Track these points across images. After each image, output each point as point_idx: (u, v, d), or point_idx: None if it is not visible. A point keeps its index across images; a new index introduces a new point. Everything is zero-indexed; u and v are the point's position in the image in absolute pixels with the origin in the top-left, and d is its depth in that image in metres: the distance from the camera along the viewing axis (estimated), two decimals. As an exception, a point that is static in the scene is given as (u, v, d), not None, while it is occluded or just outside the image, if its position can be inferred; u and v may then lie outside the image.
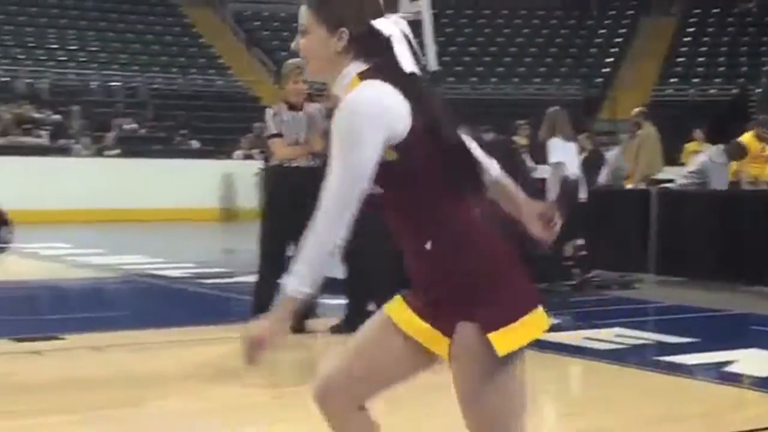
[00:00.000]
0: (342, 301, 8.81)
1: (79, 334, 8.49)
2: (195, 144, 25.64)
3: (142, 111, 26.88)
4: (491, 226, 3.15)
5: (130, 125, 25.96)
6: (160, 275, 12.96)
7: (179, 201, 22.78)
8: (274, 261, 8.62)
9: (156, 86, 28.26)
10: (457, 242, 3.07)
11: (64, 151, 23.77)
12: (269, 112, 8.85)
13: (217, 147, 24.74)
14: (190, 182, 22.72)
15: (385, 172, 3.02)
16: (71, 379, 6.81)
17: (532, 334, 3.07)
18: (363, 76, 3.02)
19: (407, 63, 3.05)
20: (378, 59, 3.03)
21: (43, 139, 24.05)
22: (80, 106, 25.57)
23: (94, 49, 29.37)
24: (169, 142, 25.75)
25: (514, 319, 3.04)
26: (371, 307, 8.54)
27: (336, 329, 8.60)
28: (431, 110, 3.05)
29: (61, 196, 21.33)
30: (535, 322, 3.08)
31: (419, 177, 3.04)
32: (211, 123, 26.15)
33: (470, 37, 34.65)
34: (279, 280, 8.77)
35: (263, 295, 8.64)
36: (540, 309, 3.10)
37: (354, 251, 8.46)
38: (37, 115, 24.69)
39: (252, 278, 9.09)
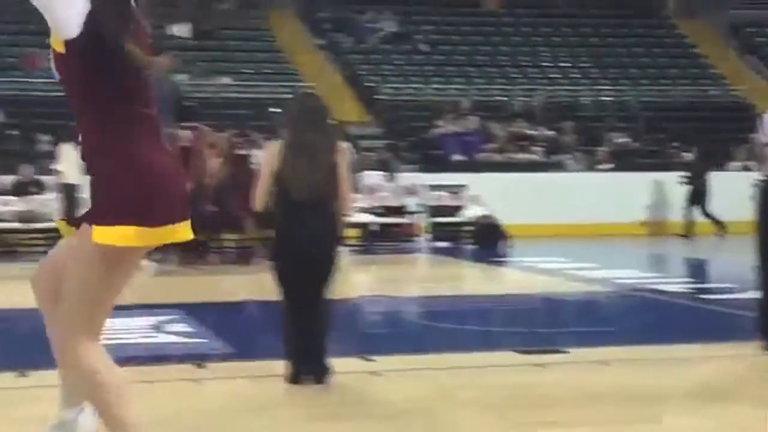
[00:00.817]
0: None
1: (582, 348, 8.59)
2: (687, 156, 25.26)
3: (633, 124, 26.89)
4: (159, 147, 3.68)
5: (622, 139, 26.07)
6: (657, 290, 12.85)
7: (672, 213, 22.65)
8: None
9: (647, 99, 28.15)
10: (110, 150, 3.59)
11: (558, 167, 24.30)
12: (766, 118, 8.48)
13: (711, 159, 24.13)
14: (680, 196, 22.44)
15: (58, 62, 3.55)
16: (579, 394, 6.87)
17: (133, 241, 3.60)
18: None
19: None
20: None
21: (537, 155, 24.73)
22: (572, 121, 26.03)
23: (585, 65, 29.76)
24: (661, 155, 25.55)
25: (122, 223, 3.59)
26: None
27: None
28: (112, 29, 3.48)
29: (555, 211, 21.80)
30: (146, 235, 3.63)
31: (86, 81, 3.53)
32: (704, 134, 25.61)
33: None
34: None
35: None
36: (163, 229, 3.64)
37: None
38: (531, 132, 25.44)
39: (754, 294, 8.79)
